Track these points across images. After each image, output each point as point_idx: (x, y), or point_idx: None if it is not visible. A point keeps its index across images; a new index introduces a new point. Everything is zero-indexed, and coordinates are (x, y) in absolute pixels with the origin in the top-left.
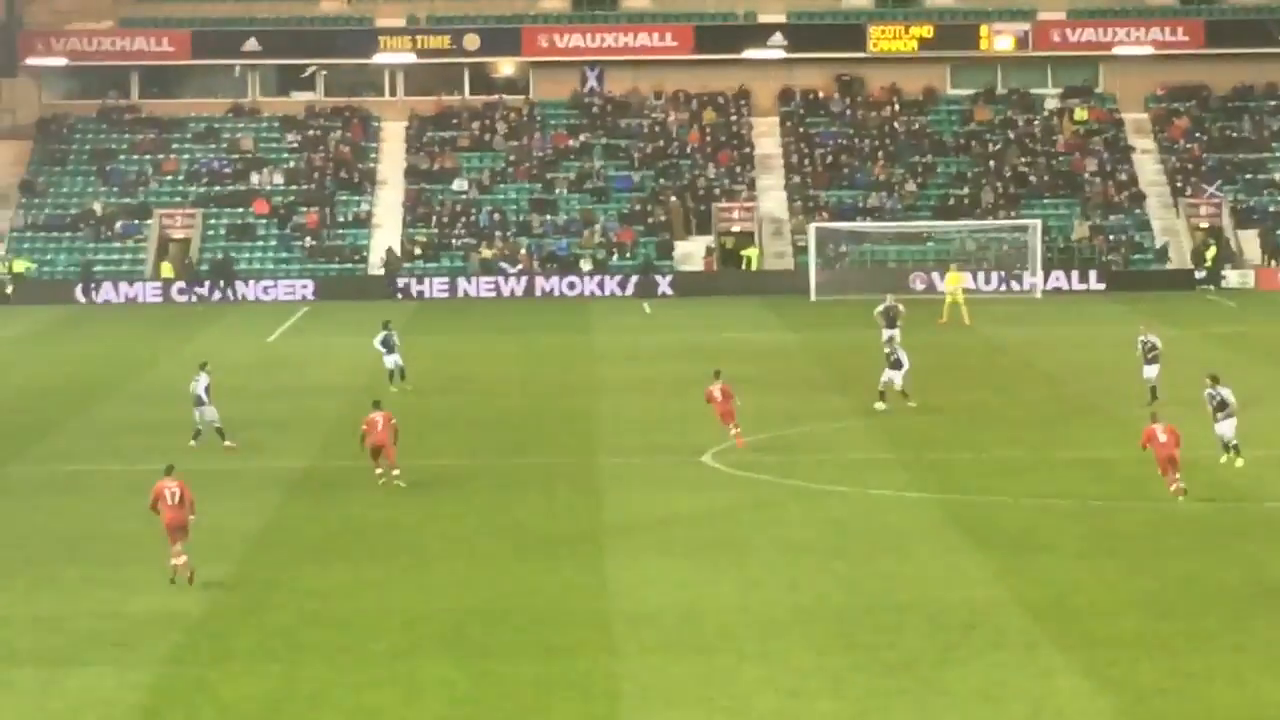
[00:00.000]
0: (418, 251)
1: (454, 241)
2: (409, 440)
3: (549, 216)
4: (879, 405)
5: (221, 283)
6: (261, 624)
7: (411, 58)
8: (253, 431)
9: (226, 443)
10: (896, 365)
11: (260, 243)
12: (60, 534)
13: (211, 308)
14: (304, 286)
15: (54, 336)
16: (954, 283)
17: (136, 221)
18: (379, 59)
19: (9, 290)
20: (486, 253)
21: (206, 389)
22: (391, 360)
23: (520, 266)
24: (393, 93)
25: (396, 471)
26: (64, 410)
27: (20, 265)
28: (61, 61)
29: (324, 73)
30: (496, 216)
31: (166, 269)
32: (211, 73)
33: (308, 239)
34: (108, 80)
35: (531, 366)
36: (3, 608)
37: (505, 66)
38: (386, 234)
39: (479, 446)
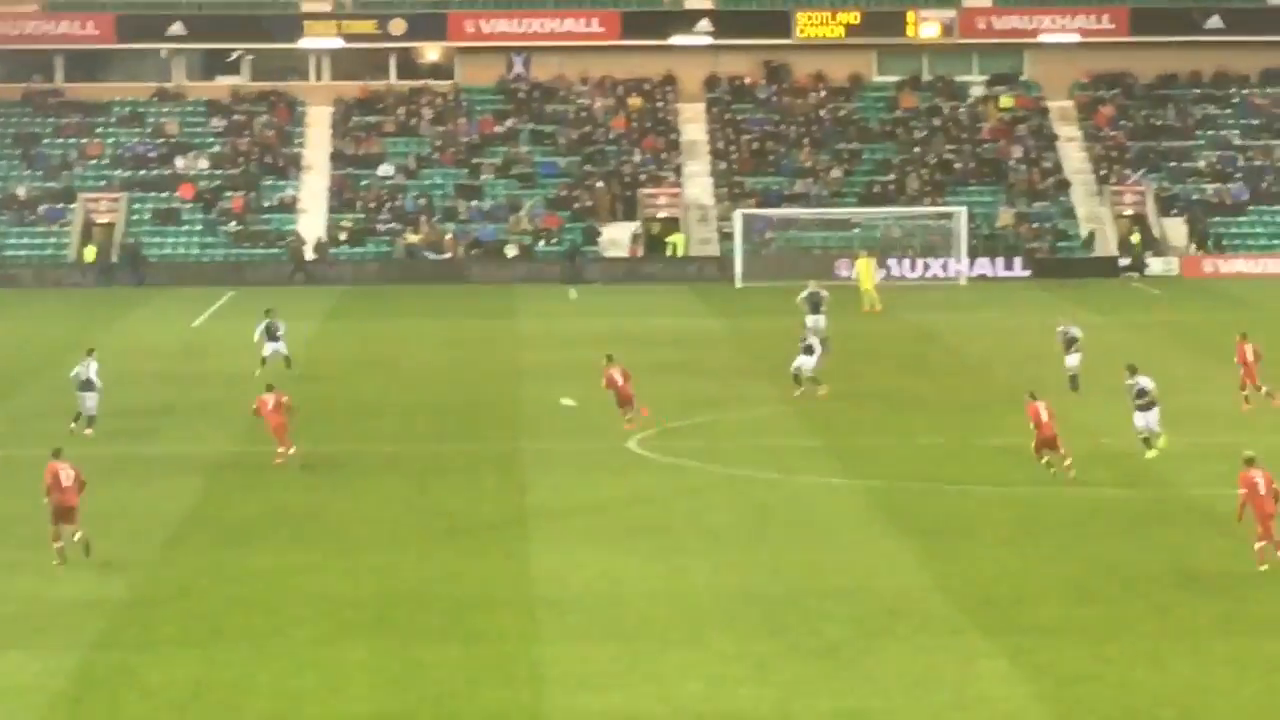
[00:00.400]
0: (343, 236)
1: (379, 227)
2: (334, 427)
3: (475, 202)
4: (796, 392)
5: (131, 268)
6: (185, 609)
7: (337, 42)
8: (176, 416)
9: (88, 431)
10: (809, 351)
11: (185, 227)
12: None
13: (136, 292)
14: (229, 271)
15: None
16: (863, 269)
17: (60, 206)
18: (304, 43)
19: None
20: (412, 238)
21: (96, 373)
22: (271, 348)
23: (446, 253)
24: (318, 77)
25: (285, 451)
26: None
27: None
28: None
29: (249, 57)
30: (422, 202)
31: (90, 253)
32: (136, 57)
33: (233, 223)
34: (32, 64)
35: (457, 352)
36: None
37: (431, 52)
38: (312, 219)
39: (404, 432)
